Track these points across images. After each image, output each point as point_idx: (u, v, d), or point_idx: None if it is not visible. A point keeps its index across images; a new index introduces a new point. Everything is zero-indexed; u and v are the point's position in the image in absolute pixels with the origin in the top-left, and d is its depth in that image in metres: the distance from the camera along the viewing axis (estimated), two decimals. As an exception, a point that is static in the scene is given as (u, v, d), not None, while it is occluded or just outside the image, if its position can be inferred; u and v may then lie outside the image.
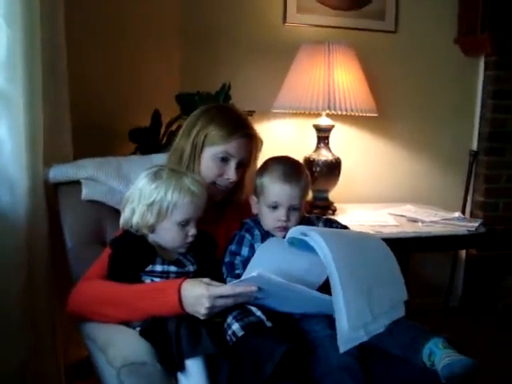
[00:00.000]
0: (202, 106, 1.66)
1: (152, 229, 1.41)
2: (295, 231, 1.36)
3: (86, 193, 1.73)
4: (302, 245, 1.35)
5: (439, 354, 1.26)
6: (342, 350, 1.20)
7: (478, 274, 3.03)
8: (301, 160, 2.32)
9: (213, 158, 1.55)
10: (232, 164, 1.55)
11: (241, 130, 1.56)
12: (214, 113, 1.59)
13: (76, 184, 1.74)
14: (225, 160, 1.55)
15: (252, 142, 1.59)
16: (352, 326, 1.20)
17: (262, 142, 1.63)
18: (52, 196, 1.75)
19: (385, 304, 1.29)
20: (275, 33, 2.69)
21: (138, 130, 2.34)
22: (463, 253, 3.10)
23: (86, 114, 2.24)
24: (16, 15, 1.58)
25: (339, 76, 2.42)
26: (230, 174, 1.55)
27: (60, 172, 1.73)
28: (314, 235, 1.30)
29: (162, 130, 2.34)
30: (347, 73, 2.44)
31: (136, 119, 2.34)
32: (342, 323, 1.19)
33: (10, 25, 1.57)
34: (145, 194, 1.39)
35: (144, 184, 1.40)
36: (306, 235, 1.33)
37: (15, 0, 1.57)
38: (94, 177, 1.75)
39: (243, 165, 1.58)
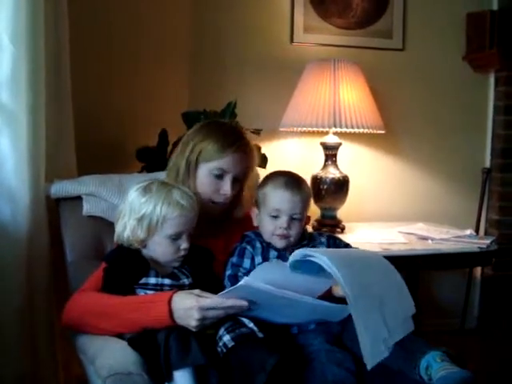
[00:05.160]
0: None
1: (143, 243, 1.40)
2: (298, 254, 1.31)
3: (87, 208, 1.75)
4: (305, 269, 1.31)
5: (435, 368, 1.22)
6: (369, 367, 1.16)
7: (494, 294, 2.93)
8: (308, 178, 2.34)
9: (207, 175, 1.54)
10: (227, 179, 1.54)
11: (234, 144, 1.55)
12: (210, 129, 1.59)
13: (77, 199, 1.76)
14: (220, 176, 1.54)
15: (247, 156, 1.58)
16: (372, 342, 1.17)
17: (261, 156, 1.61)
18: (53, 211, 1.77)
19: (397, 318, 1.25)
20: (282, 52, 2.70)
21: (146, 149, 2.36)
22: (478, 273, 3.02)
23: (93, 132, 2.28)
24: (21, 33, 1.63)
25: (345, 93, 2.40)
26: (226, 189, 1.54)
27: (61, 187, 1.76)
28: (319, 256, 1.26)
29: (169, 149, 2.36)
30: (353, 89, 2.43)
31: (143, 138, 2.36)
32: (364, 341, 1.17)
33: (15, 43, 1.62)
34: (134, 208, 1.39)
35: (134, 198, 1.40)
36: (309, 256, 1.29)
37: (20, 19, 1.62)
38: (95, 193, 1.77)
39: (239, 180, 1.57)
